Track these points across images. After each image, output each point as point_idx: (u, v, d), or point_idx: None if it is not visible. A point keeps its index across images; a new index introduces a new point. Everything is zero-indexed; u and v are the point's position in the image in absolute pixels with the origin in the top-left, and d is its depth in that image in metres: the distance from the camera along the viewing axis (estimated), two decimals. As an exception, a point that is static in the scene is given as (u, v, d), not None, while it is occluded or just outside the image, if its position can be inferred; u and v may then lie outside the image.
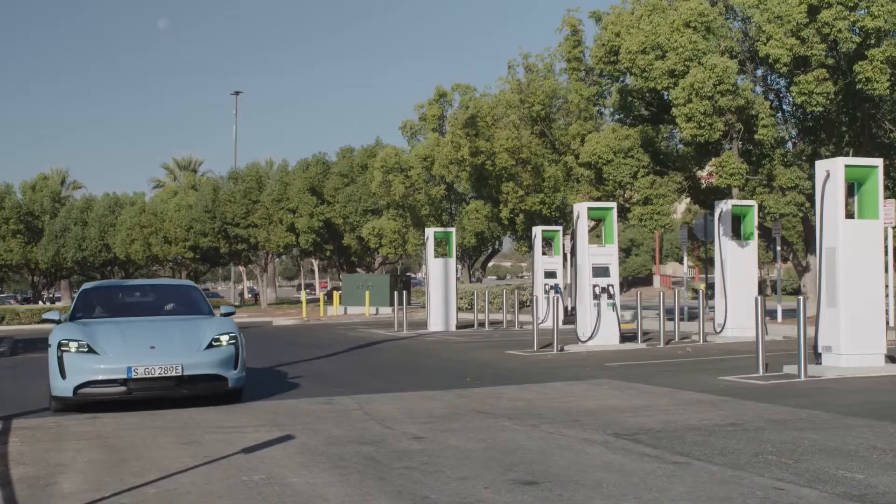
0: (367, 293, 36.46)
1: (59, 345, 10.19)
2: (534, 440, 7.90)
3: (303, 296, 40.46)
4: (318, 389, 11.90)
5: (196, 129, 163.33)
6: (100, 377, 10.02)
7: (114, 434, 8.74)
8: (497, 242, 42.95)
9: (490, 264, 79.63)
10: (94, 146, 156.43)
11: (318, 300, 45.36)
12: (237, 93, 65.94)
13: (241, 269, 72.03)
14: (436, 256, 25.54)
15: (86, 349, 10.15)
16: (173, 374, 10.07)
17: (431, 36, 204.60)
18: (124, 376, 10.00)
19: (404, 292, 26.88)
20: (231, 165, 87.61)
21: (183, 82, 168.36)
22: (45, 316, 11.35)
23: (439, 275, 25.37)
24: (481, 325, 26.27)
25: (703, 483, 6.18)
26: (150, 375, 10.02)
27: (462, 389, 11.61)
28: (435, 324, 25.05)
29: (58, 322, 11.14)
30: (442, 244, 26.40)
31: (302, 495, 6.10)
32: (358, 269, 50.87)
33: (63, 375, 10.06)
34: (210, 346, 10.43)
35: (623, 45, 22.10)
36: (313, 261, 75.72)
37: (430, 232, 25.93)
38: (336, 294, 38.44)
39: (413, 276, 69.80)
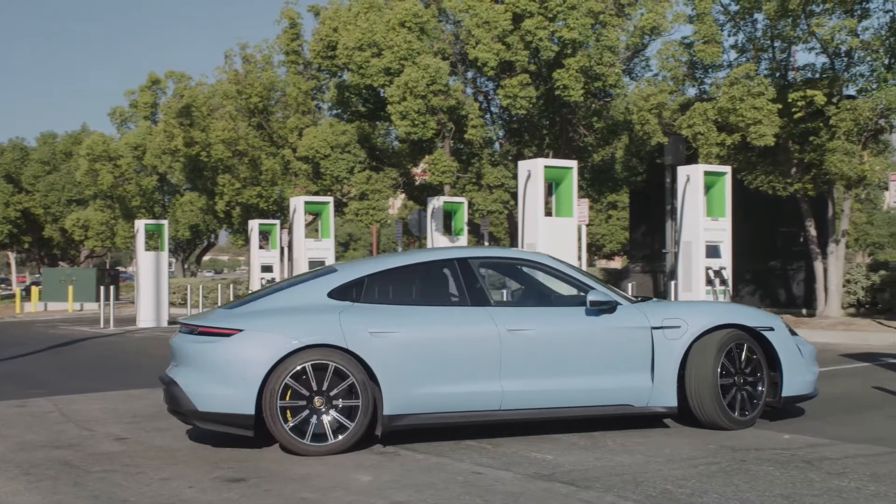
0: (70, 288, 34.28)
1: None
2: (243, 437, 7.77)
3: (-3, 292, 37.32)
4: (11, 391, 11.02)
5: None
6: None
7: None
8: (213, 236, 41.93)
9: (206, 258, 77.61)
10: None
11: (14, 296, 42.03)
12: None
13: (-75, 262, 65.29)
14: (147, 249, 24.50)
15: None
16: None
17: (145, 18, 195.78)
18: None
19: (112, 287, 25.57)
20: (-88, 148, 79.04)
21: None
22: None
23: (150, 269, 24.36)
24: (195, 320, 25.52)
25: (409, 471, 6.38)
26: None
27: (171, 387, 11.21)
28: (145, 319, 24.05)
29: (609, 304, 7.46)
30: (154, 237, 25.36)
31: (-15, 507, 5.63)
32: (61, 263, 47.74)
33: None
34: None
35: (340, 41, 22.31)
36: (10, 253, 70.15)
37: (140, 224, 24.82)
38: (35, 289, 35.82)
39: (123, 270, 66.49)
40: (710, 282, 15.67)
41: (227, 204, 31.98)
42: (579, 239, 20.28)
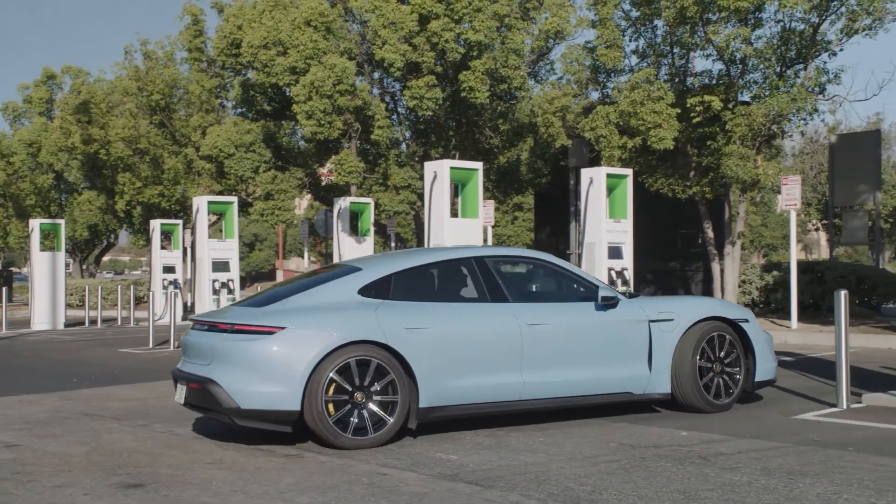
0: (-40, 290, 32.94)
1: None
2: (143, 441, 7.61)
3: None
4: None
5: None
6: None
7: None
8: (113, 236, 40.83)
9: (106, 258, 75.54)
10: None
11: None
12: None
13: None
14: (42, 250, 23.74)
15: None
16: None
17: (40, 11, 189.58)
18: None
19: (4, 288, 24.69)
20: None
21: None
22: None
23: (46, 270, 23.61)
24: (93, 322, 24.86)
25: (312, 473, 6.33)
26: None
27: (68, 391, 10.89)
28: (40, 322, 23.29)
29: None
30: (50, 237, 24.58)
31: None
32: (-50, 264, 45.84)
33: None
34: None
35: (245, 39, 22.02)
36: None
37: (35, 223, 24.02)
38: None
39: (17, 270, 64.28)
40: (612, 282, 15.97)
41: (127, 203, 31.19)
42: (485, 240, 20.43)
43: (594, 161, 20.48)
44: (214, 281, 18.16)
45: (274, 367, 6.96)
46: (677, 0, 18.37)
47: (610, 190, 16.28)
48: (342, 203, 21.51)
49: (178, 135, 29.75)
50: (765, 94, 19.05)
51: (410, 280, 7.74)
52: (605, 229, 16.00)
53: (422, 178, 19.66)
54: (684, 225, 23.13)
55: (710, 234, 20.60)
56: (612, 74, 21.22)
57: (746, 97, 20.19)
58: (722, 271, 20.17)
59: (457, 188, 15.59)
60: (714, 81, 20.32)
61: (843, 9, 18.63)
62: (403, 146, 25.46)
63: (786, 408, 8.60)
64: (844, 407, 8.35)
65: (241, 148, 24.05)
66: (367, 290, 7.50)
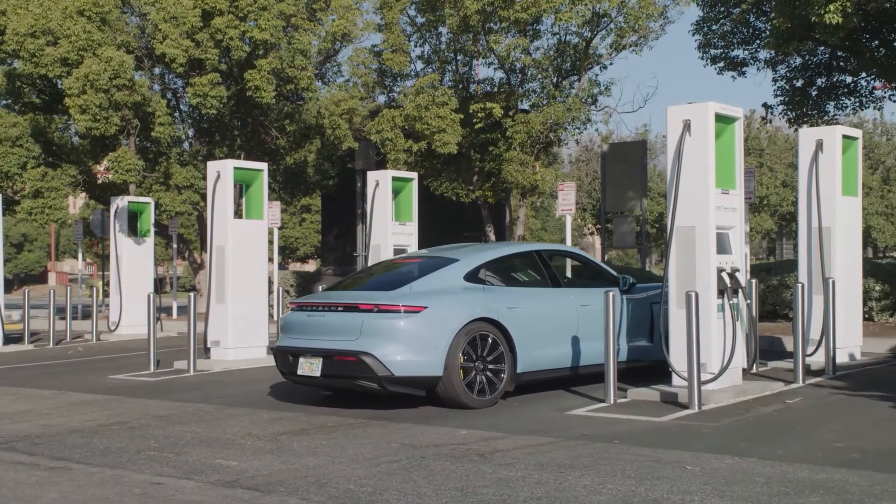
0: None
1: None
2: None
3: None
4: None
5: None
6: None
7: None
8: None
9: None
10: None
11: None
12: None
13: None
14: None
15: None
16: None
17: None
18: None
19: None
20: None
21: None
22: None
23: None
24: None
25: (80, 486, 6.02)
26: None
27: None
28: None
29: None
30: None
31: None
32: None
33: None
34: None
35: (10, 26, 20.61)
36: None
37: None
38: None
39: None
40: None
41: None
42: (272, 242, 20.15)
43: (381, 164, 20.65)
44: (-25, 284, 16.93)
45: (422, 340, 8.41)
46: (461, 8, 18.86)
47: (396, 193, 16.43)
48: (120, 202, 20.56)
49: (-67, 126, 27.42)
50: (542, 103, 19.90)
51: (495, 268, 9.46)
52: (391, 232, 16.12)
53: (205, 177, 19.09)
54: (468, 227, 23.75)
55: (493, 236, 21.28)
56: (399, 79, 21.50)
57: (526, 105, 21.02)
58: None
59: (241, 189, 15.25)
60: (496, 89, 21.02)
61: (612, 25, 19.77)
62: (186, 145, 24.64)
63: (559, 404, 9.00)
64: (612, 402, 8.83)
65: (6, 142, 22.51)
66: (469, 277, 9.09)
